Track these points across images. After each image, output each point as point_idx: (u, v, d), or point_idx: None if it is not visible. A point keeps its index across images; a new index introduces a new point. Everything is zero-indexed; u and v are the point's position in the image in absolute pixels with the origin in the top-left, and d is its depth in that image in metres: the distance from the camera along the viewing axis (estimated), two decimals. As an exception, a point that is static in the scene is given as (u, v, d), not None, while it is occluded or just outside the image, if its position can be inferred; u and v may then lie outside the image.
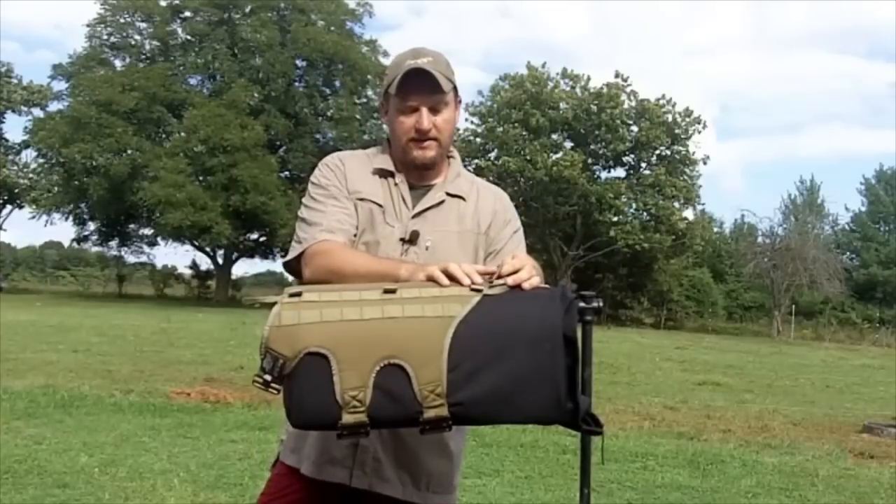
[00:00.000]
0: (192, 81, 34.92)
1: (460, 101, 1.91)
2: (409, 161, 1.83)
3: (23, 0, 76.57)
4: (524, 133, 32.59)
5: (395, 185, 1.85)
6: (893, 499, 5.37)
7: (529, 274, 1.53)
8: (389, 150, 1.90)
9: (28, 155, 38.75)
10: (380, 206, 1.83)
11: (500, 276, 1.52)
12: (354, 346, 1.41)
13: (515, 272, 1.52)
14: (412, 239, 1.80)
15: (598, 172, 34.98)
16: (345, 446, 1.72)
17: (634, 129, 33.49)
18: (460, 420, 1.44)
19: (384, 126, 1.97)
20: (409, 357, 1.41)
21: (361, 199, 1.83)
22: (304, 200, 1.87)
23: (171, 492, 4.55)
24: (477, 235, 1.86)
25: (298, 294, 1.46)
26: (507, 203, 1.95)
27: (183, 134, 31.18)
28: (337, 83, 34.87)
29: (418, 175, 1.86)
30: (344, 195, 1.83)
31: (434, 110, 1.80)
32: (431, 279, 1.53)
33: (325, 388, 1.40)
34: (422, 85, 1.77)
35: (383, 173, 1.86)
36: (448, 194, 1.87)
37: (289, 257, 1.82)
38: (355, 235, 1.81)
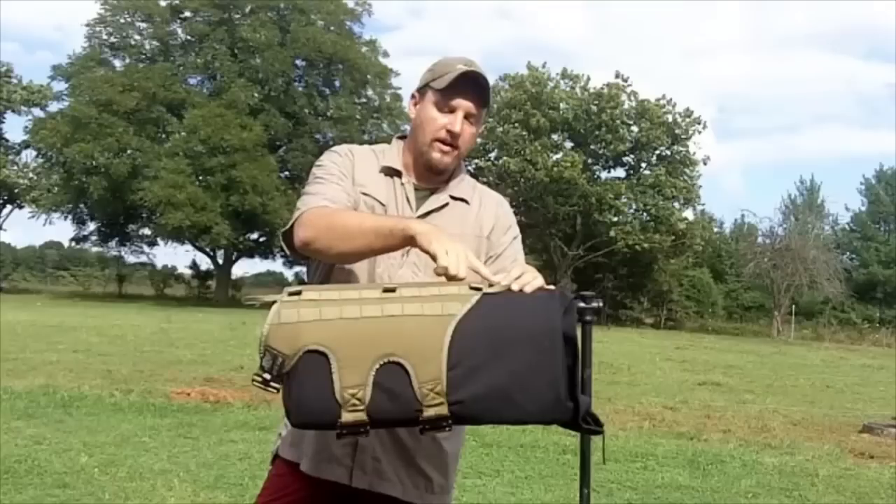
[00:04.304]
0: (192, 81, 35.00)
1: (486, 123, 1.93)
2: (425, 161, 1.83)
3: (23, 0, 76.58)
4: (524, 133, 32.56)
5: (402, 184, 1.85)
6: (893, 499, 5.37)
7: (532, 278, 1.53)
8: (401, 148, 1.90)
9: (28, 155, 38.84)
10: (382, 204, 1.82)
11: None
12: (354, 345, 1.41)
13: (517, 279, 1.52)
14: None
15: (598, 173, 34.97)
16: (344, 445, 1.72)
17: (634, 129, 33.47)
18: (460, 419, 1.44)
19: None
20: (409, 355, 1.40)
21: (365, 194, 1.82)
22: (307, 182, 1.85)
23: (171, 492, 4.55)
24: (479, 239, 1.86)
25: (298, 293, 1.46)
26: (508, 209, 1.96)
27: (183, 134, 31.18)
28: (336, 83, 34.89)
29: (426, 177, 1.86)
30: (348, 181, 1.82)
31: (468, 118, 1.81)
32: (433, 254, 1.52)
33: (324, 386, 1.40)
34: (470, 91, 1.79)
35: (390, 172, 1.86)
36: (452, 197, 1.87)
37: (287, 226, 1.77)
38: None
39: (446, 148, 1.81)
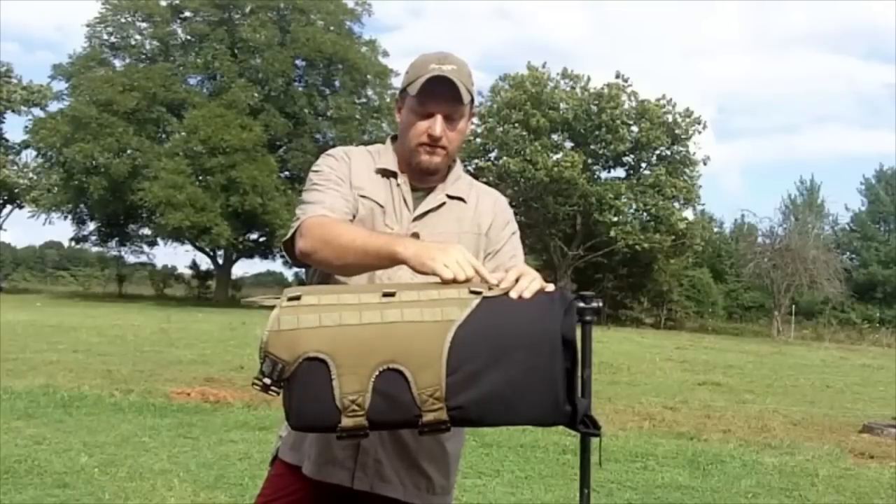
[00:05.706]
0: (192, 81, 34.95)
1: (475, 113, 1.91)
2: (415, 165, 1.84)
3: (23, 0, 76.54)
4: (524, 133, 32.55)
5: (398, 185, 1.85)
6: (893, 499, 5.37)
7: (529, 282, 1.52)
8: (394, 148, 1.90)
9: (28, 155, 38.83)
10: (381, 206, 1.82)
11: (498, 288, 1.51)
12: (353, 352, 1.40)
13: (516, 283, 1.51)
14: None
15: (598, 173, 34.98)
16: (345, 447, 1.73)
17: (634, 129, 33.47)
18: (459, 422, 1.44)
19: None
20: (408, 362, 1.40)
21: (363, 197, 1.82)
22: (305, 187, 1.85)
23: (171, 492, 4.55)
24: (477, 237, 1.87)
25: (297, 297, 1.46)
26: (506, 205, 1.96)
27: (183, 134, 31.17)
28: (336, 83, 34.84)
29: (420, 177, 1.86)
30: (346, 186, 1.82)
31: (449, 119, 1.79)
32: (434, 273, 1.51)
33: (324, 392, 1.40)
34: (442, 93, 1.76)
35: (386, 173, 1.86)
36: (449, 196, 1.87)
37: (287, 236, 1.79)
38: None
39: (433, 150, 1.80)
